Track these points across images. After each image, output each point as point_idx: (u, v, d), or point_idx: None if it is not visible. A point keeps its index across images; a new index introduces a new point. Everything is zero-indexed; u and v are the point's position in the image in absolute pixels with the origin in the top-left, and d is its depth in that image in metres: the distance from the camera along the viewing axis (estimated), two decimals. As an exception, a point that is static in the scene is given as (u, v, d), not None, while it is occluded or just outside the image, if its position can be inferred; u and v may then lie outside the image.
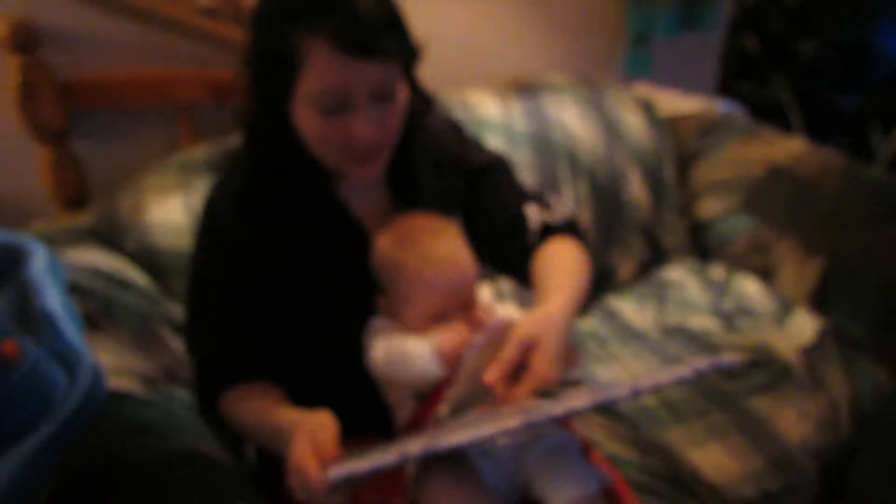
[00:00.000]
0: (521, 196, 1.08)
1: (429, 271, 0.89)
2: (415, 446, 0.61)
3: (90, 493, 0.69)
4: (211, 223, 0.95)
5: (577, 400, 0.64)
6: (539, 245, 1.02)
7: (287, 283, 0.95)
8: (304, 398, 0.94)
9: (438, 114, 1.09)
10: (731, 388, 1.44)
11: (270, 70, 0.84)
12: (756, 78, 3.45)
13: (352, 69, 0.81)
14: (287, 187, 0.95)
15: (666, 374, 0.67)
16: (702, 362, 0.68)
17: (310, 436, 0.76)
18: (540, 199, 1.08)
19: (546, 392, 0.84)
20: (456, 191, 1.07)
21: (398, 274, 0.92)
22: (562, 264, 0.97)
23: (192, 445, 0.81)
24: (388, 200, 1.02)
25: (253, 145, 0.95)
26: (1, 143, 1.36)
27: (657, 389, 0.65)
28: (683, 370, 0.67)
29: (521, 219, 1.05)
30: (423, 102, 1.00)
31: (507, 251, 1.05)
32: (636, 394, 0.66)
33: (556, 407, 0.64)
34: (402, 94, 0.90)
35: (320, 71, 0.81)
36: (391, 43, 0.83)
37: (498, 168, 1.11)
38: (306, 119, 0.86)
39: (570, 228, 1.06)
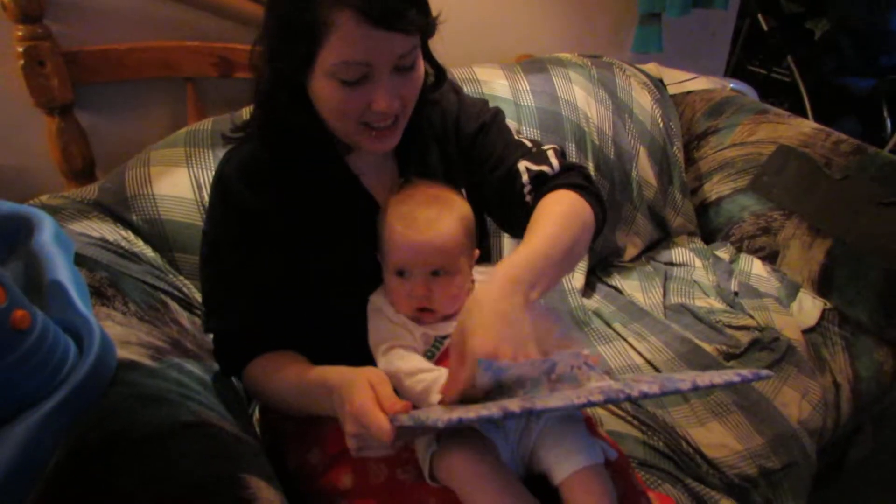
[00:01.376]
0: (515, 151, 1.03)
1: (399, 227, 0.91)
2: (513, 405, 0.63)
3: (102, 462, 0.70)
4: (222, 196, 0.95)
5: (647, 386, 0.67)
6: (537, 200, 0.96)
7: (298, 253, 0.95)
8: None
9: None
10: (734, 367, 1.44)
11: (292, 41, 0.84)
12: (768, 58, 3.42)
13: (377, 40, 0.81)
14: (299, 159, 0.95)
15: (720, 378, 0.71)
16: (747, 373, 0.73)
17: (370, 387, 0.77)
18: (532, 152, 1.02)
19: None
20: (457, 155, 1.08)
21: (382, 224, 0.95)
22: (540, 221, 0.90)
23: (203, 416, 0.81)
24: (395, 172, 1.03)
25: (266, 118, 0.94)
26: (8, 116, 1.36)
27: (710, 387, 0.72)
28: (732, 376, 0.72)
29: (514, 175, 1.00)
30: (436, 75, 1.00)
31: (506, 209, 1.04)
32: (695, 388, 0.70)
33: (633, 390, 0.66)
34: (421, 67, 0.91)
35: (345, 42, 0.81)
36: (416, 15, 0.83)
37: (491, 126, 1.06)
38: (326, 90, 0.86)
39: (569, 175, 0.99)
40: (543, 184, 0.98)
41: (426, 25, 0.88)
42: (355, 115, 0.88)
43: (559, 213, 0.91)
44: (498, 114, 1.09)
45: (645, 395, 0.67)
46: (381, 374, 0.81)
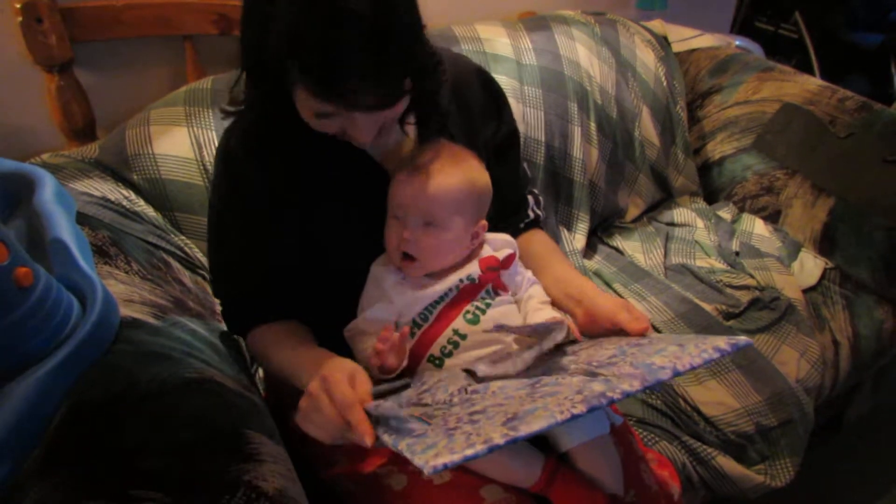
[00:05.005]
0: (527, 181, 1.20)
1: (404, 175, 0.92)
2: (496, 435, 0.62)
3: (105, 418, 0.70)
4: (227, 171, 0.94)
5: (628, 384, 0.68)
6: (527, 229, 1.16)
7: (304, 222, 0.95)
8: (320, 335, 0.97)
9: (464, 62, 1.10)
10: (734, 326, 1.45)
11: (263, 71, 0.82)
12: (775, 14, 3.36)
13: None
14: (302, 129, 0.94)
15: (699, 358, 0.72)
16: (723, 343, 0.74)
17: (350, 374, 0.78)
18: (532, 191, 1.20)
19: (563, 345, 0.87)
20: (482, 137, 1.08)
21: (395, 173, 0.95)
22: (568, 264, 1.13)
23: (206, 373, 0.82)
24: (413, 139, 1.01)
25: (258, 101, 0.92)
26: (7, 74, 1.35)
27: (692, 369, 0.72)
28: (711, 353, 0.73)
29: (524, 203, 1.17)
30: (433, 70, 0.94)
31: (504, 223, 1.10)
32: (676, 375, 0.71)
33: (615, 392, 0.67)
34: (403, 100, 0.84)
35: (307, 98, 0.79)
36: (375, 95, 0.77)
37: (517, 142, 1.18)
38: (303, 112, 0.84)
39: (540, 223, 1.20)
40: (535, 221, 1.18)
41: (399, 93, 0.81)
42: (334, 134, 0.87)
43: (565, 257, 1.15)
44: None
45: (627, 395, 0.67)
46: (363, 371, 0.80)
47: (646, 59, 1.93)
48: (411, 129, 1.02)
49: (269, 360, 0.97)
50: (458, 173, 0.92)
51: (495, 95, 1.14)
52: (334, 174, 0.96)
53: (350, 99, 0.77)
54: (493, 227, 1.05)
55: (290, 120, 0.92)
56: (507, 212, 1.13)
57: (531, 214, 1.17)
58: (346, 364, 0.81)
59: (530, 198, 1.18)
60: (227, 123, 0.97)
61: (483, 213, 0.97)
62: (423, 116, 0.99)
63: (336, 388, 0.75)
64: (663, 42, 2.02)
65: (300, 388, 0.89)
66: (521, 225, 1.16)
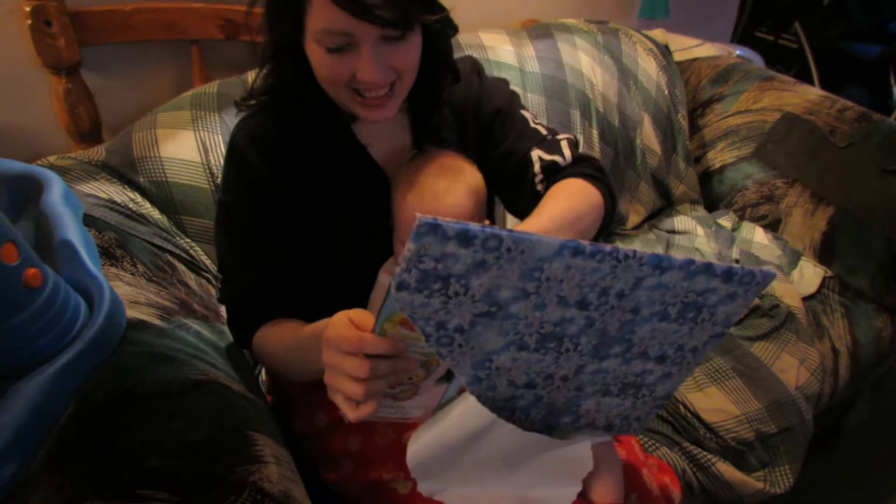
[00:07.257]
0: (530, 140, 1.02)
1: (411, 199, 0.90)
2: None
3: (111, 418, 0.71)
4: (236, 164, 0.95)
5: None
6: (548, 189, 0.96)
7: (309, 224, 0.95)
8: None
9: (462, 59, 1.09)
10: (733, 333, 1.46)
11: (281, 5, 0.83)
12: (775, 24, 3.38)
13: (352, 20, 0.78)
14: (308, 129, 0.94)
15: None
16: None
17: (347, 315, 0.71)
18: (546, 140, 1.02)
19: None
20: (473, 137, 1.06)
21: (395, 193, 0.94)
22: (548, 203, 0.90)
23: (211, 375, 0.82)
24: (408, 143, 1.02)
25: (273, 85, 0.93)
26: (15, 77, 1.35)
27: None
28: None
29: (527, 163, 1.00)
30: (452, 77, 0.97)
31: (516, 195, 1.04)
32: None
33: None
34: (415, 37, 0.85)
35: (321, 13, 0.79)
36: (396, 9, 0.78)
37: (508, 112, 1.05)
38: (314, 56, 0.84)
39: (581, 165, 0.98)
40: (555, 173, 0.98)
41: (415, 12, 0.82)
42: (343, 83, 0.85)
43: (566, 195, 0.91)
44: (514, 99, 1.08)
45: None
46: (360, 311, 0.73)
47: (648, 67, 1.94)
48: (409, 135, 1.02)
49: (269, 349, 0.95)
50: (461, 188, 0.92)
51: (480, 85, 1.08)
52: (337, 175, 0.97)
53: (366, 7, 0.77)
54: (507, 198, 1.05)
55: (298, 117, 0.93)
56: (514, 179, 1.02)
57: (537, 169, 0.99)
58: (343, 312, 0.73)
59: (535, 153, 1.00)
60: (233, 127, 0.98)
61: (484, 212, 0.98)
62: (421, 115, 1.00)
63: (340, 341, 0.69)
64: (665, 51, 2.03)
65: (307, 370, 0.86)
66: (538, 187, 0.98)
